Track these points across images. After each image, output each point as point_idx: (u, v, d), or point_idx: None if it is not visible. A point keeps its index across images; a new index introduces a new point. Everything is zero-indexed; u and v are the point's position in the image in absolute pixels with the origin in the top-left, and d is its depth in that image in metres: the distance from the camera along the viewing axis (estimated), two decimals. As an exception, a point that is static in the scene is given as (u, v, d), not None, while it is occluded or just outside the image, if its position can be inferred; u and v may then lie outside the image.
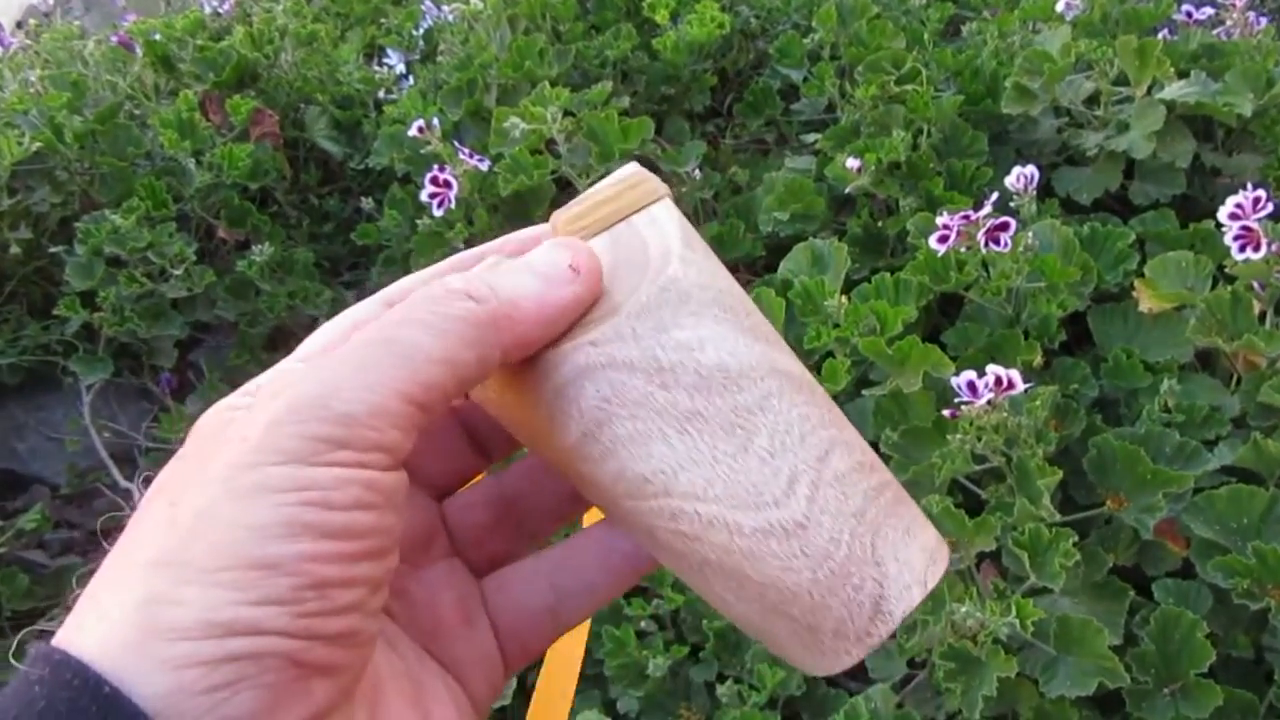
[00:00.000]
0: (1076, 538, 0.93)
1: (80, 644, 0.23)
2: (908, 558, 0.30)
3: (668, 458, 0.28)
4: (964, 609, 0.88)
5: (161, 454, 1.56)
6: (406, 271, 1.58)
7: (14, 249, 1.54)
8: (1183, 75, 1.37)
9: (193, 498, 0.24)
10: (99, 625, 0.23)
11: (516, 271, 0.29)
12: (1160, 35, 1.48)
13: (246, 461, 0.24)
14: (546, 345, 0.29)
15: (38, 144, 1.48)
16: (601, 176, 1.52)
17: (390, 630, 0.30)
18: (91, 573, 0.26)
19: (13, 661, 1.36)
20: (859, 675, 1.10)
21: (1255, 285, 1.11)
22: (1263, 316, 1.10)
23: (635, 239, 0.30)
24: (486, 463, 0.35)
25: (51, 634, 0.25)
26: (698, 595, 0.34)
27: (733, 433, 0.29)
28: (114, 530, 0.25)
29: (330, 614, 0.24)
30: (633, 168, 0.32)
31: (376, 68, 1.82)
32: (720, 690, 1.05)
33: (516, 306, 0.28)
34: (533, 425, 0.31)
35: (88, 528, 1.57)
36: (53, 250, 1.56)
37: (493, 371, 0.28)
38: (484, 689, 0.32)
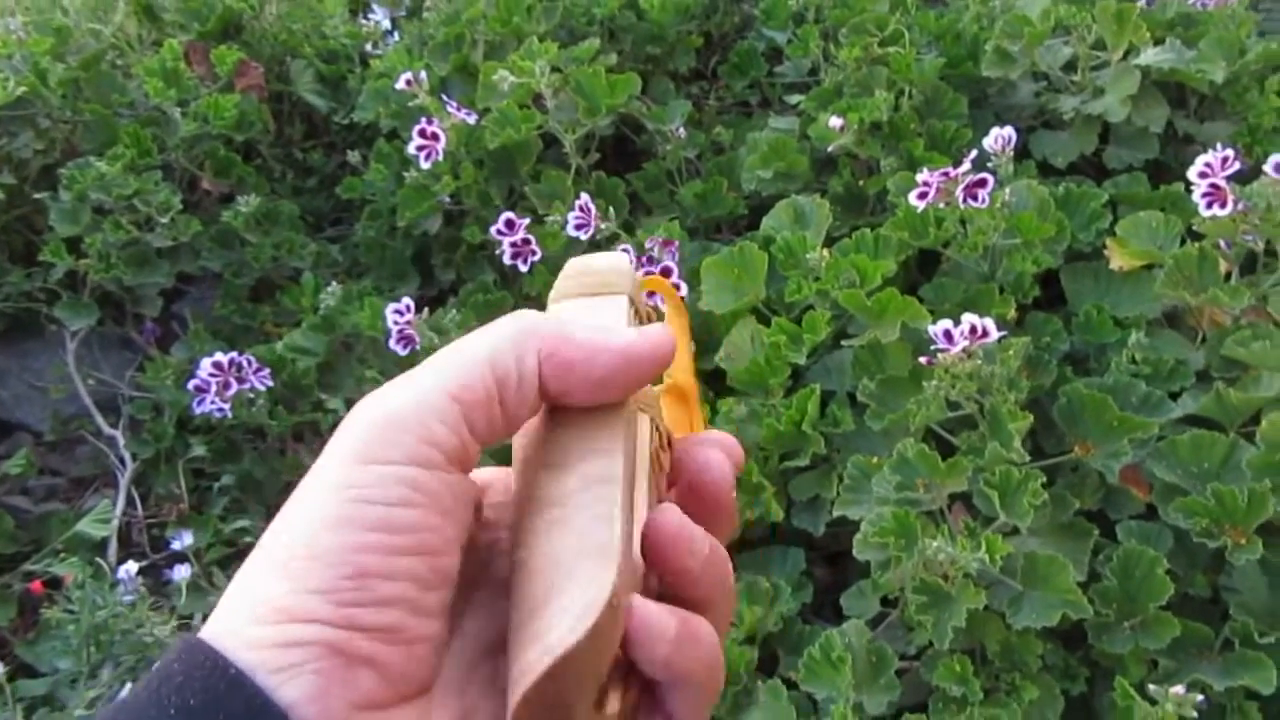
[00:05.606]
0: (1045, 480, 0.97)
1: (209, 630, 0.27)
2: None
3: None
4: (935, 544, 0.91)
5: (144, 403, 1.56)
6: (393, 226, 1.59)
7: (-3, 194, 1.54)
8: (1159, 42, 1.40)
9: (298, 494, 0.28)
10: (221, 612, 0.28)
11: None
12: (1138, 3, 1.51)
13: (322, 465, 0.28)
14: None
15: (23, 88, 1.48)
16: (588, 133, 1.51)
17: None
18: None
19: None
20: (833, 617, 1.13)
21: (1222, 244, 1.14)
22: (1229, 275, 1.14)
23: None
24: None
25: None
26: None
27: None
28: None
29: (370, 604, 0.27)
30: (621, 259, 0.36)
31: (362, 21, 1.82)
32: (699, 628, 1.08)
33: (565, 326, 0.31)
34: None
35: (71, 475, 1.57)
36: (36, 197, 1.55)
37: (535, 377, 0.30)
38: None
